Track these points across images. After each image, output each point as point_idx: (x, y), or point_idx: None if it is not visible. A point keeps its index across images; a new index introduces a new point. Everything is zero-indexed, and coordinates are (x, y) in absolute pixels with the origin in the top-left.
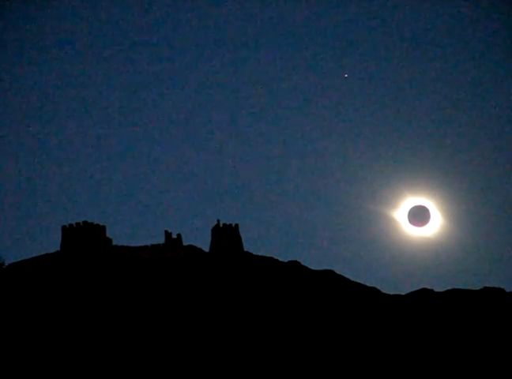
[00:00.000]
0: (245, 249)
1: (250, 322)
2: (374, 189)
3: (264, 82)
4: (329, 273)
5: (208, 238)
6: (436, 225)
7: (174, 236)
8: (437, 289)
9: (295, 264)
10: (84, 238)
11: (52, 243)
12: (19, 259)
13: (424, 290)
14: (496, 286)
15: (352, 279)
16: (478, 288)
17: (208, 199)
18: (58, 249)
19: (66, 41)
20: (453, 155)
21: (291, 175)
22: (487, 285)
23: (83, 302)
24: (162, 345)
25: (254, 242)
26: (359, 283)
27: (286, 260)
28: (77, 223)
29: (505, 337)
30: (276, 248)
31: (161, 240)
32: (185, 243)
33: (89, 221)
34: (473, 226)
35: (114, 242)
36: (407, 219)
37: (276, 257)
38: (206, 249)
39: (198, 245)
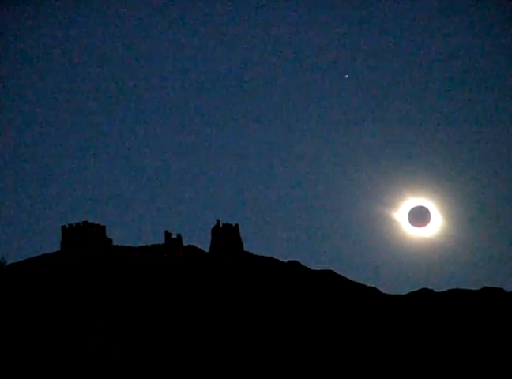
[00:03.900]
0: (245, 249)
1: (250, 322)
2: (374, 190)
3: (264, 83)
4: (329, 273)
5: (208, 238)
6: (436, 226)
7: (174, 236)
8: (437, 289)
9: (295, 264)
10: (84, 238)
11: (52, 243)
12: (19, 259)
13: (424, 290)
14: (496, 286)
15: (352, 279)
16: (478, 288)
17: (208, 199)
18: (58, 249)
19: (66, 40)
20: (454, 156)
21: (292, 175)
22: (487, 285)
23: (83, 302)
24: (162, 345)
25: (254, 242)
26: (359, 283)
27: (286, 260)
28: (77, 223)
29: (505, 337)
30: (276, 248)
31: (161, 240)
32: (185, 243)
33: (89, 221)
34: (473, 226)
35: (114, 242)
36: (407, 219)
37: (276, 257)
38: (206, 249)
39: (198, 245)
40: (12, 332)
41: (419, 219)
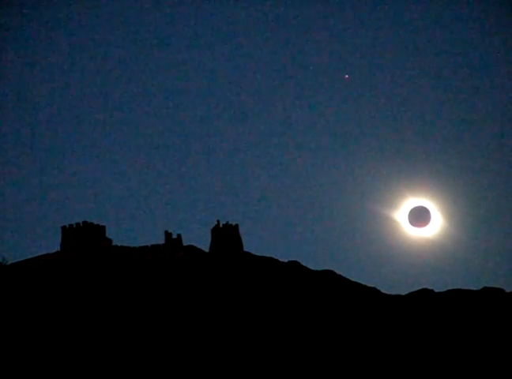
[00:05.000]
0: (245, 249)
1: (250, 322)
2: (374, 190)
3: (264, 83)
4: (329, 273)
5: (208, 238)
6: (437, 226)
7: (174, 236)
8: (437, 289)
9: (295, 264)
10: (84, 238)
11: (52, 243)
12: (19, 259)
13: (424, 290)
14: (496, 286)
15: (352, 279)
16: (478, 288)
17: (208, 199)
18: (58, 249)
19: (66, 40)
20: (454, 156)
21: (292, 175)
22: (487, 285)
23: (83, 302)
24: (162, 345)
25: (254, 242)
26: (359, 283)
27: (286, 260)
28: (77, 223)
29: (505, 337)
30: (276, 248)
31: (161, 240)
32: (185, 243)
33: (89, 221)
34: (473, 226)
35: (114, 242)
36: (407, 219)
37: (276, 257)
38: (206, 249)
39: (198, 245)
40: (12, 332)
41: (419, 219)
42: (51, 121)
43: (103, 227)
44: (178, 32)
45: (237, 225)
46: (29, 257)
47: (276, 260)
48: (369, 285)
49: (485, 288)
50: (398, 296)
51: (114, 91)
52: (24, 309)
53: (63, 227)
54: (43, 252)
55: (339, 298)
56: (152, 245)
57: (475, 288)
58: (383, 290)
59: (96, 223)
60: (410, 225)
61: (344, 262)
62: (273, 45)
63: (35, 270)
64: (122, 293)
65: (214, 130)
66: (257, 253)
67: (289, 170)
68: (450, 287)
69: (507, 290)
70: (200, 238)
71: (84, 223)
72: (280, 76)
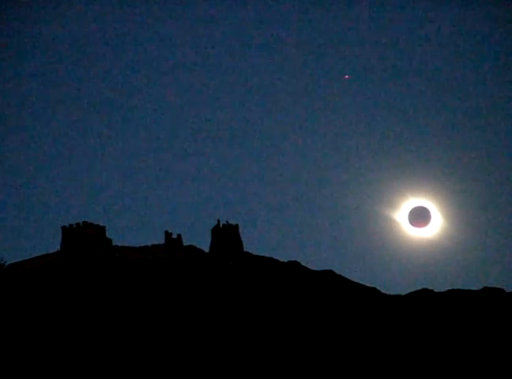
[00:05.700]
0: (245, 249)
1: (250, 322)
2: (374, 190)
3: (264, 83)
4: (329, 273)
5: (208, 238)
6: (437, 226)
7: (174, 236)
8: (437, 289)
9: (295, 264)
10: (84, 238)
11: (52, 243)
12: (19, 259)
13: (424, 290)
14: (496, 286)
15: (352, 279)
16: (478, 288)
17: (208, 199)
18: (58, 249)
19: (64, 41)
20: (454, 157)
21: (292, 175)
22: (487, 285)
23: (83, 302)
24: (162, 345)
25: (254, 242)
26: (359, 283)
27: (286, 260)
28: (77, 223)
29: (505, 337)
30: (276, 248)
31: (161, 240)
32: (185, 243)
33: (89, 221)
34: (473, 227)
35: (114, 242)
36: (407, 220)
37: (276, 257)
38: (206, 249)
39: (198, 245)
40: (12, 332)
41: (419, 220)
42: (51, 121)
43: (103, 227)
44: (178, 32)
45: (237, 225)
46: (29, 257)
47: (276, 260)
48: (369, 285)
49: (485, 288)
50: (398, 296)
51: (114, 91)
52: (23, 310)
53: (63, 227)
54: (43, 252)
55: (339, 298)
56: (152, 245)
57: (475, 288)
58: (383, 290)
59: (95, 223)
60: (410, 225)
61: (344, 262)
62: (273, 45)
63: (34, 270)
64: (122, 293)
65: (214, 130)
66: (257, 253)
67: (289, 170)
68: (450, 287)
69: (507, 290)
70: (200, 238)
71: (84, 223)
72: (280, 76)
